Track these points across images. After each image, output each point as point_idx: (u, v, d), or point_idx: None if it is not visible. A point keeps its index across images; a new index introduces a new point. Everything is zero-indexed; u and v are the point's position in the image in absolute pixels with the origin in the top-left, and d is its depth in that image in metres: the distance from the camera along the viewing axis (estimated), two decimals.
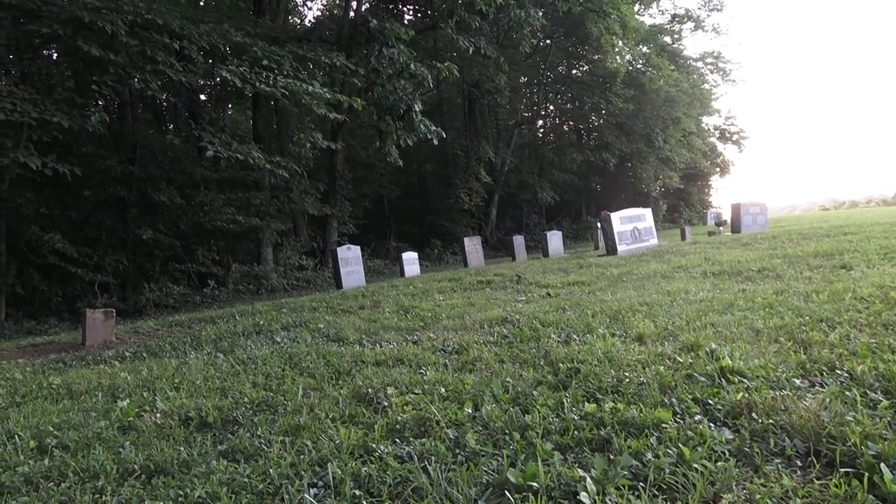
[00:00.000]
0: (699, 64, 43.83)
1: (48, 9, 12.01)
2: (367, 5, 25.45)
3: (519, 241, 20.47)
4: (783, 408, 2.90)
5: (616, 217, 14.53)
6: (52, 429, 3.83)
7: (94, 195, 17.82)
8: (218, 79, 16.67)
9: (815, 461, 2.45)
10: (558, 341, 4.93)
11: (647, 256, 12.14)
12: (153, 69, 13.32)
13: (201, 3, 22.68)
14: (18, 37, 13.39)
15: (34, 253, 15.58)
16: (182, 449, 3.28)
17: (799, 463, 2.47)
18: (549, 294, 8.18)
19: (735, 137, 51.98)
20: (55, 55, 18.16)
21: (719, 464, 2.46)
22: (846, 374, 3.35)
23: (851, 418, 2.68)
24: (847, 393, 3.03)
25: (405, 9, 29.41)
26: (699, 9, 40.12)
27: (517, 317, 6.30)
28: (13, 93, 11.79)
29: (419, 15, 29.19)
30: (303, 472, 2.81)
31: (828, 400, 2.92)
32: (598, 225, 18.50)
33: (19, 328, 13.35)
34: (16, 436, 3.75)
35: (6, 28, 12.87)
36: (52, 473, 3.13)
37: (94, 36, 12.50)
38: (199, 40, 13.72)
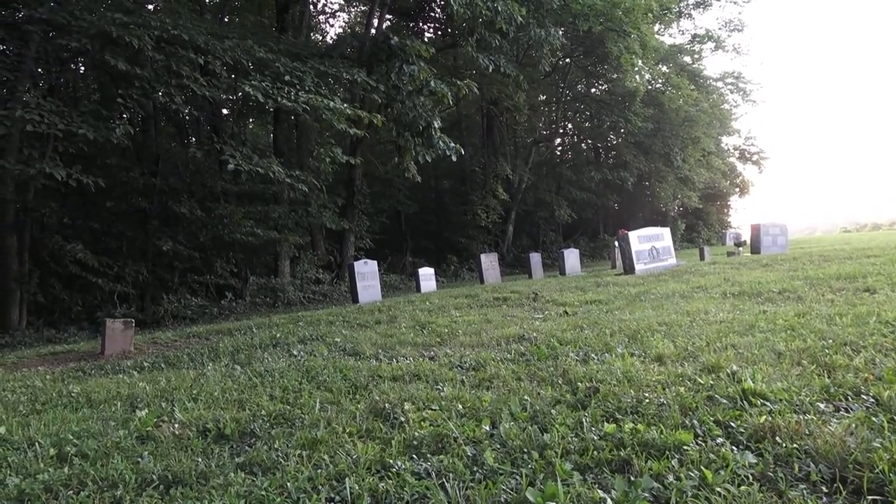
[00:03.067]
0: (719, 84, 43.77)
1: (77, 24, 12.27)
2: (388, 23, 25.74)
3: (535, 258, 20.40)
4: (807, 432, 2.85)
5: (634, 236, 14.45)
6: (71, 437, 3.85)
7: (116, 206, 18.09)
8: (240, 93, 16.92)
9: (841, 488, 2.40)
10: (576, 360, 4.89)
11: (666, 276, 12.04)
12: (178, 83, 13.54)
13: (226, 20, 23.05)
14: (48, 50, 13.70)
15: (56, 262, 15.81)
16: (200, 460, 3.29)
17: (825, 489, 2.42)
18: (566, 312, 8.14)
19: (755, 157, 51.76)
20: (82, 68, 18.54)
21: (742, 488, 2.42)
22: (872, 400, 3.29)
23: (879, 444, 2.62)
24: (874, 419, 2.97)
25: (425, 27, 29.67)
26: (720, 29, 40.00)
27: (534, 334, 6.28)
28: (41, 105, 12.00)
29: (439, 33, 29.44)
30: (320, 487, 2.80)
31: (854, 425, 2.87)
32: (616, 243, 18.42)
33: (39, 336, 13.51)
34: (36, 443, 3.78)
35: (36, 42, 13.16)
36: (72, 482, 3.15)
37: (121, 50, 12.76)
38: (223, 55, 13.94)
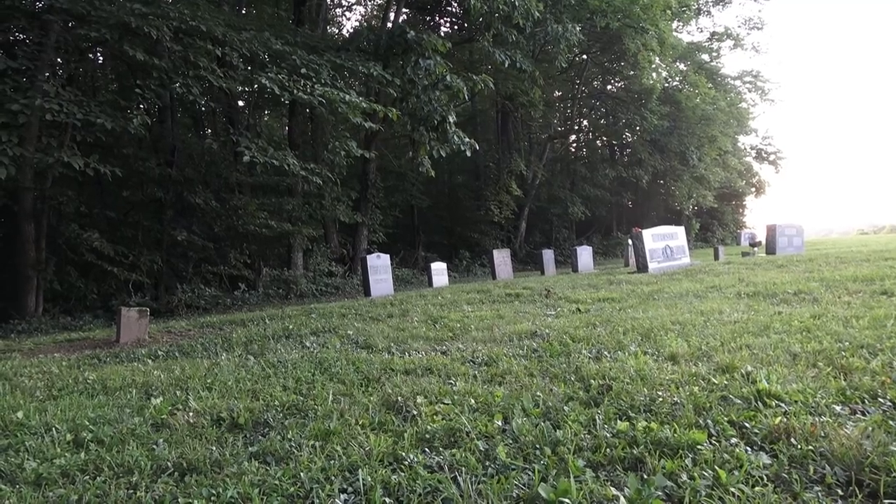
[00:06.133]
0: (737, 82, 43.40)
1: (97, 14, 12.34)
2: (405, 17, 25.72)
3: (548, 255, 20.36)
4: (823, 434, 2.83)
5: (648, 234, 14.37)
6: (87, 423, 3.91)
7: (132, 196, 18.25)
8: (256, 85, 16.96)
9: (857, 491, 2.38)
10: (589, 357, 4.88)
11: (679, 275, 11.97)
12: (195, 74, 13.60)
13: (243, 12, 23.12)
14: (67, 40, 13.79)
15: (72, 250, 15.98)
16: (214, 448, 3.32)
17: (840, 492, 2.41)
18: (578, 309, 8.12)
19: (772, 157, 51.14)
20: (101, 59, 18.68)
21: (757, 489, 2.41)
22: (889, 403, 3.26)
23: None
24: (891, 422, 2.95)
25: (442, 21, 29.65)
26: (739, 27, 39.74)
27: (547, 331, 6.27)
28: (60, 94, 12.10)
29: (455, 27, 29.40)
30: (333, 478, 2.82)
31: (870, 428, 2.84)
32: (629, 242, 18.33)
33: (55, 323, 13.66)
34: (53, 428, 3.83)
35: (56, 32, 13.26)
36: (88, 467, 3.19)
37: (139, 41, 12.83)
38: (241, 47, 13.98)
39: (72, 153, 12.64)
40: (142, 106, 17.09)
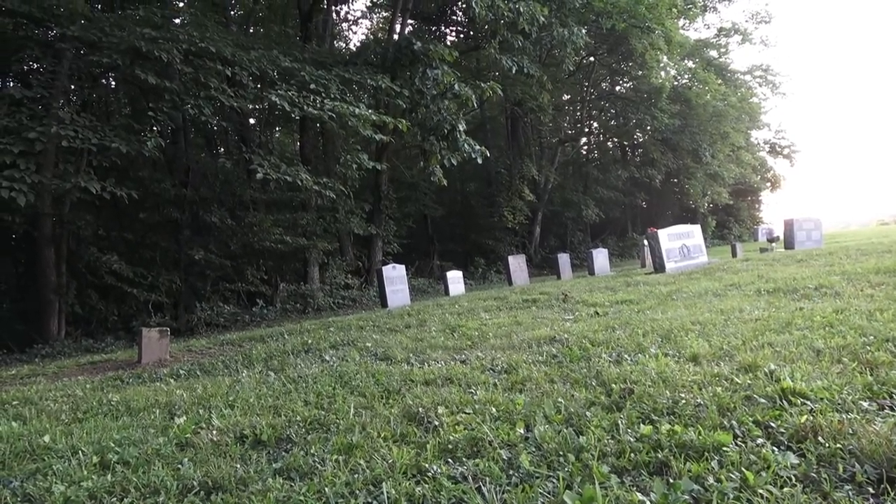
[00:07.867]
0: (747, 77, 43.14)
1: (108, 40, 12.54)
2: (410, 28, 25.85)
3: (564, 259, 20.28)
4: (851, 432, 2.79)
5: (664, 234, 14.28)
6: (113, 444, 3.93)
7: (149, 217, 18.45)
8: (267, 103, 17.13)
9: (888, 488, 2.34)
10: (609, 361, 4.85)
11: (697, 274, 11.88)
12: (206, 95, 13.77)
13: (251, 31, 23.37)
14: (80, 67, 14.02)
15: (92, 273, 16.17)
16: (238, 466, 3.33)
17: (871, 490, 2.37)
18: (597, 313, 8.08)
19: (786, 151, 50.69)
20: (114, 84, 18.94)
21: (785, 490, 2.38)
22: None
23: None
24: None
25: (448, 30, 29.73)
26: (746, 21, 39.62)
27: (565, 336, 6.23)
28: (75, 120, 12.31)
29: (461, 36, 29.47)
30: (357, 492, 2.82)
31: None
32: (645, 242, 18.22)
33: (78, 346, 13.80)
34: (79, 451, 3.87)
35: (69, 59, 13.49)
36: (115, 489, 3.21)
37: (150, 64, 13.02)
38: (250, 66, 14.14)
39: (88, 178, 12.83)
40: (155, 128, 17.30)
